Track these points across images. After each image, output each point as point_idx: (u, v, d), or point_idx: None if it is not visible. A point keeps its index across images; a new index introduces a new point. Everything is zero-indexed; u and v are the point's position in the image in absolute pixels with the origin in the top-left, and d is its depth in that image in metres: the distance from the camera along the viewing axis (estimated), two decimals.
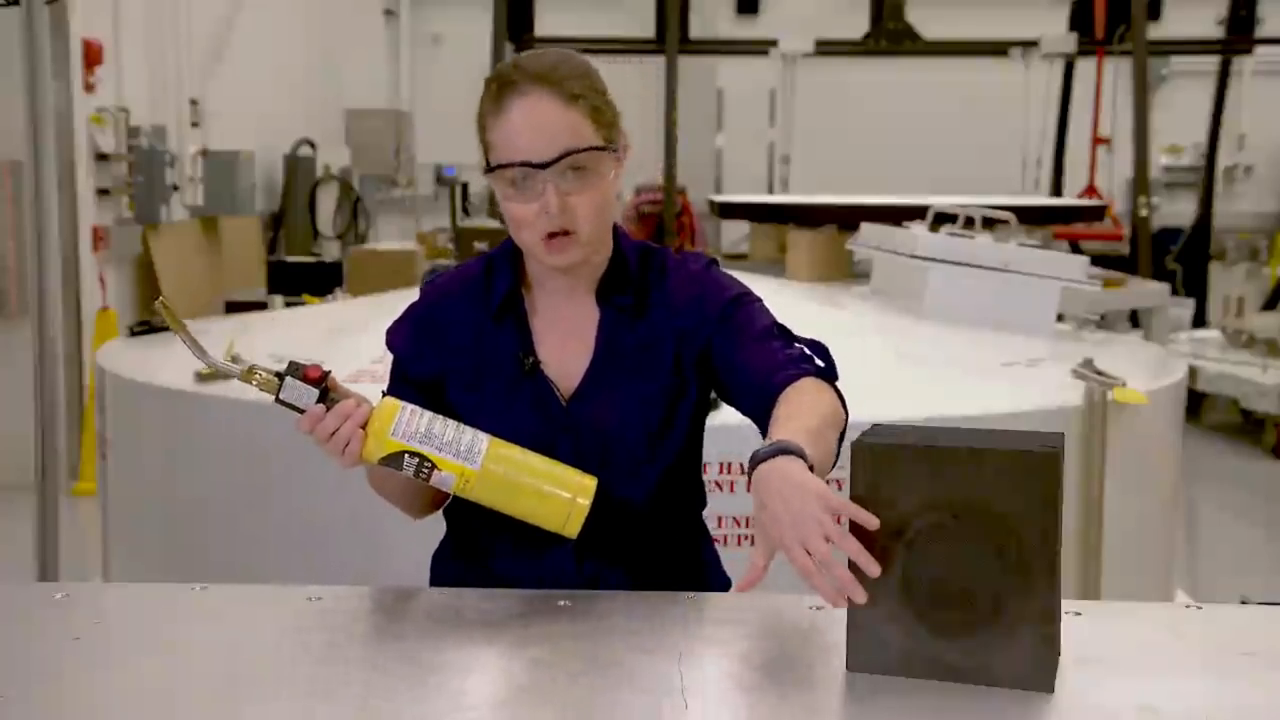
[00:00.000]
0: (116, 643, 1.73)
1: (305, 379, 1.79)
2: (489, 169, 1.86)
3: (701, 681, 1.59)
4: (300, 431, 1.80)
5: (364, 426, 1.79)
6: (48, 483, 3.82)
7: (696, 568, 2.06)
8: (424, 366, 1.95)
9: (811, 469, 1.60)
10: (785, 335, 1.94)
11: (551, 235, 1.83)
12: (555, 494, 1.80)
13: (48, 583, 3.61)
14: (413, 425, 1.78)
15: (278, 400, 1.80)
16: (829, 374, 1.89)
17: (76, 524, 6.03)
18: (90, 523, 5.72)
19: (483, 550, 1.98)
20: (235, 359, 3.70)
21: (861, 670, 1.59)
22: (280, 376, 1.79)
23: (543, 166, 1.81)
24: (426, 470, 1.78)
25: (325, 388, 1.80)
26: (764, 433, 1.79)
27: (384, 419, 1.78)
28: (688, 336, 1.94)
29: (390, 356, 2.00)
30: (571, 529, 1.81)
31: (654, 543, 1.99)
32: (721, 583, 2.09)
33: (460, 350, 1.94)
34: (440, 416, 1.81)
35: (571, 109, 1.82)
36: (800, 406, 1.76)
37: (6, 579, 5.14)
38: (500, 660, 1.69)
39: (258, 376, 1.81)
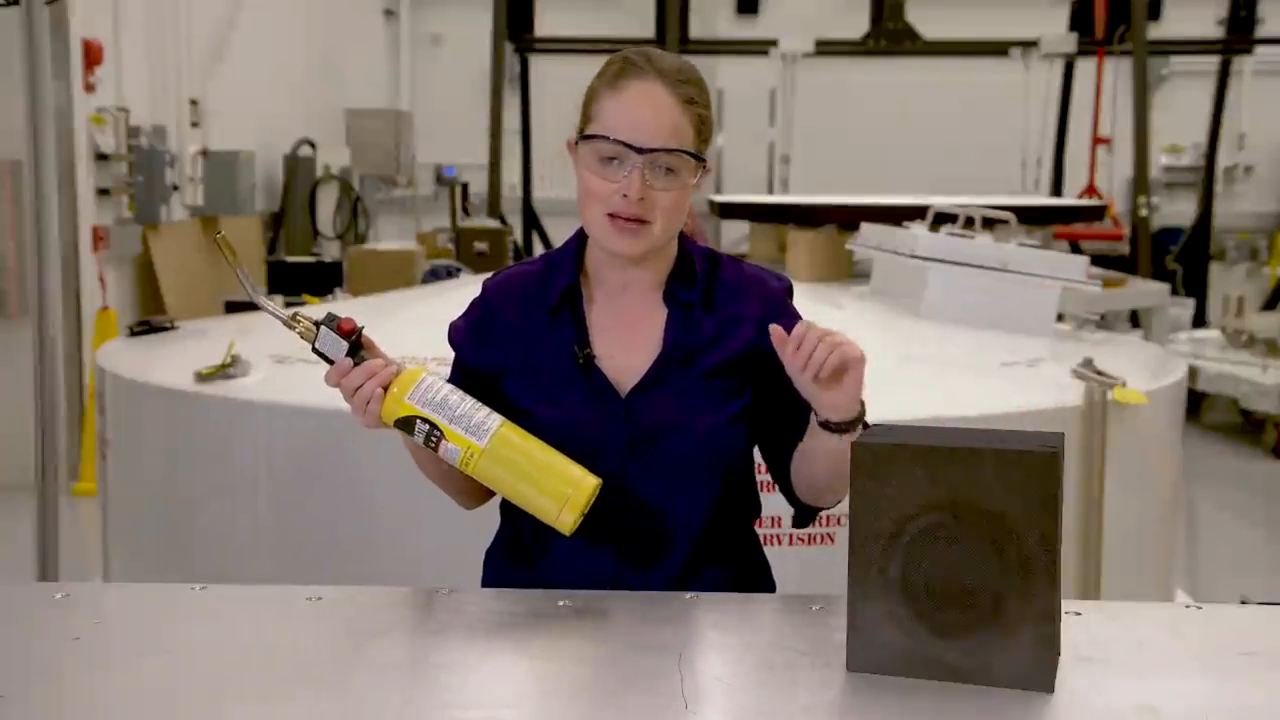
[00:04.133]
0: (116, 643, 1.73)
1: (338, 331, 1.86)
2: (582, 137, 1.90)
3: (701, 681, 1.59)
4: (328, 384, 1.86)
5: (386, 388, 1.84)
6: (48, 483, 3.82)
7: (746, 574, 2.06)
8: (479, 358, 1.99)
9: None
10: None
11: (619, 218, 1.87)
12: (553, 485, 1.82)
13: (48, 583, 3.61)
14: (430, 393, 1.83)
15: (314, 349, 1.87)
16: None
17: (76, 524, 6.03)
18: (90, 523, 5.72)
19: (531, 551, 1.99)
20: (235, 359, 3.72)
21: (861, 670, 1.59)
22: (318, 325, 1.86)
23: (639, 151, 1.85)
24: (436, 439, 1.83)
25: (357, 344, 1.86)
26: (782, 452, 1.99)
27: (405, 383, 1.84)
28: (758, 350, 1.93)
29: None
30: (564, 523, 1.83)
31: (706, 546, 1.98)
32: (769, 589, 2.09)
33: (515, 345, 1.97)
34: (461, 391, 1.86)
35: (682, 111, 1.89)
36: None
37: (6, 579, 5.14)
38: (500, 660, 1.69)
39: (301, 324, 1.88)
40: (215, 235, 1.91)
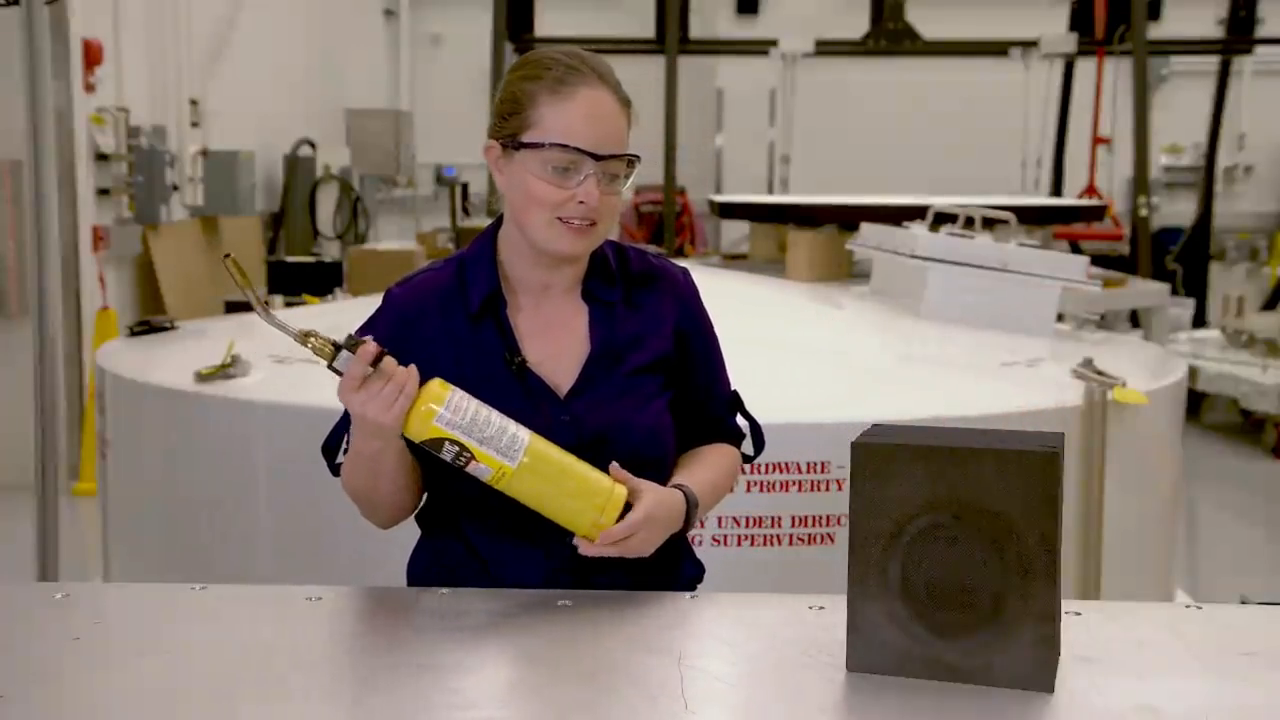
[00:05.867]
0: (116, 643, 1.73)
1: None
2: (523, 144, 1.87)
3: (701, 681, 1.59)
4: (342, 397, 1.78)
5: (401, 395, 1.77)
6: (48, 483, 3.82)
7: (675, 556, 2.05)
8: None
9: (689, 518, 1.92)
10: (738, 405, 2.12)
11: (570, 220, 1.86)
12: (586, 500, 1.82)
13: (48, 583, 3.61)
14: (459, 414, 1.79)
15: (330, 367, 1.79)
16: (748, 456, 2.13)
17: (76, 524, 6.03)
18: (90, 523, 5.73)
19: (476, 553, 1.97)
20: (235, 359, 3.72)
21: (861, 670, 1.59)
22: (337, 347, 1.78)
23: (597, 158, 1.85)
24: (465, 459, 1.80)
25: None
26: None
27: (433, 399, 1.78)
28: (674, 338, 2.01)
29: None
30: (595, 534, 1.83)
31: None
32: (695, 569, 2.10)
33: (437, 354, 1.91)
34: (485, 406, 1.81)
35: (624, 115, 1.90)
36: (716, 468, 2.04)
37: (6, 579, 5.14)
38: (500, 660, 1.69)
39: (313, 341, 1.79)
40: (223, 258, 1.82)
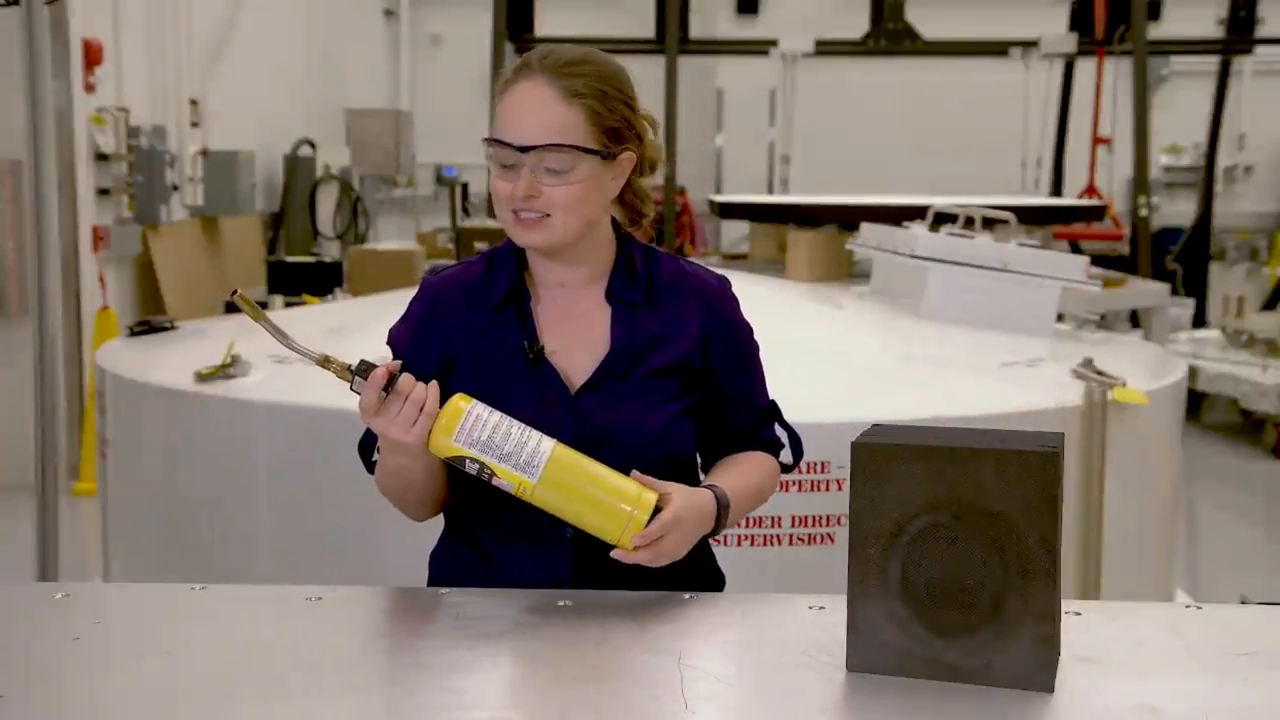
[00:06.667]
0: (116, 643, 1.73)
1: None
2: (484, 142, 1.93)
3: (701, 681, 1.59)
4: (364, 421, 1.83)
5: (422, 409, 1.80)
6: (48, 483, 3.82)
7: (692, 566, 2.04)
8: (423, 361, 1.93)
9: (720, 519, 1.91)
10: (775, 416, 2.10)
11: (518, 213, 1.89)
12: (614, 507, 1.81)
13: (48, 583, 3.61)
14: (476, 432, 1.80)
15: (352, 389, 1.83)
16: (786, 465, 2.11)
17: (76, 524, 6.03)
18: (90, 523, 5.73)
19: (484, 551, 1.99)
20: (235, 359, 3.72)
21: (861, 670, 1.59)
22: (353, 372, 1.81)
23: (520, 150, 1.86)
24: (487, 474, 1.81)
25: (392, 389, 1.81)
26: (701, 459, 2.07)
27: (451, 417, 1.80)
28: (701, 342, 1.99)
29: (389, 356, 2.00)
30: (626, 541, 1.82)
31: None
32: (716, 579, 2.09)
33: (460, 344, 1.95)
34: (507, 419, 1.82)
35: (569, 105, 1.86)
36: (750, 474, 2.03)
37: (6, 579, 5.14)
38: (501, 660, 1.69)
39: (333, 366, 1.82)
40: (233, 294, 1.83)
